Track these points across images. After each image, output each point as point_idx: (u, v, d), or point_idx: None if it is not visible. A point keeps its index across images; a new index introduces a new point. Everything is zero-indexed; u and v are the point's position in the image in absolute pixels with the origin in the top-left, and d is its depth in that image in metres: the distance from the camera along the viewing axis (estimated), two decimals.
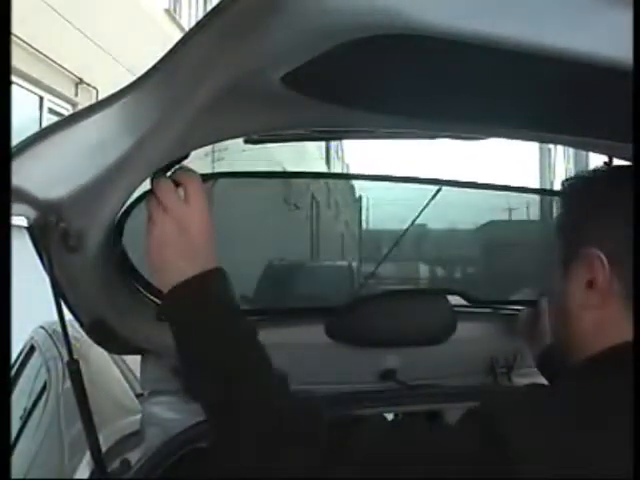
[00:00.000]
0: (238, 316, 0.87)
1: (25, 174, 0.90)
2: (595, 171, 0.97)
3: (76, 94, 7.75)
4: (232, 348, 0.83)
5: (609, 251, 0.85)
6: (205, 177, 1.08)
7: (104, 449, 1.22)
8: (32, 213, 0.96)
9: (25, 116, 6.88)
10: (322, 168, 18.11)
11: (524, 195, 1.79)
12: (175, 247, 0.87)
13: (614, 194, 0.88)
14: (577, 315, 0.88)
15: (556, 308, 0.93)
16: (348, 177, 2.56)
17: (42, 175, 0.92)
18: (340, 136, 1.54)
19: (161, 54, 0.82)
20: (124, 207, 1.07)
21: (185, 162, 1.08)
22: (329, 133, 1.28)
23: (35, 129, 0.93)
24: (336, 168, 20.78)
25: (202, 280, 0.85)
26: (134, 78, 0.85)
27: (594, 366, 0.86)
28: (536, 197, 2.10)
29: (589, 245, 0.86)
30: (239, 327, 0.86)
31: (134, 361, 1.48)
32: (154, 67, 0.83)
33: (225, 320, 0.85)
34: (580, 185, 0.96)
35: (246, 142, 1.22)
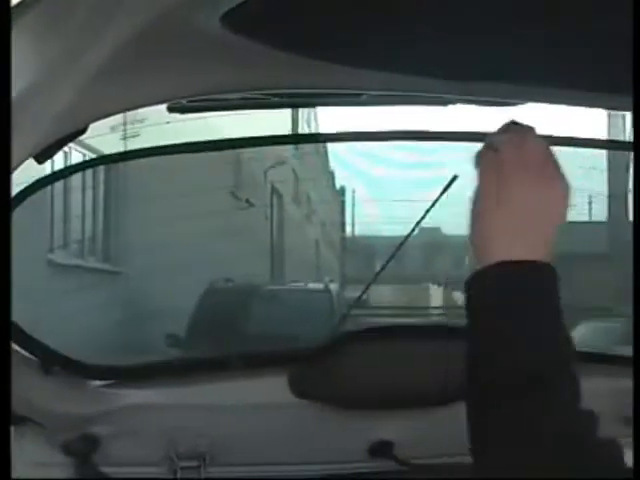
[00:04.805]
0: None
1: None
2: None
3: None
4: None
5: None
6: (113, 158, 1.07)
7: None
8: None
9: None
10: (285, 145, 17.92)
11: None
12: None
13: None
14: None
15: None
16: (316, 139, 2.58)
17: None
18: (310, 101, 1.54)
19: None
20: None
21: (82, 139, 1.07)
22: (291, 97, 1.28)
23: None
24: (307, 145, 20.59)
25: None
26: None
27: None
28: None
29: None
30: None
31: None
32: None
33: None
34: None
35: (170, 110, 1.22)
